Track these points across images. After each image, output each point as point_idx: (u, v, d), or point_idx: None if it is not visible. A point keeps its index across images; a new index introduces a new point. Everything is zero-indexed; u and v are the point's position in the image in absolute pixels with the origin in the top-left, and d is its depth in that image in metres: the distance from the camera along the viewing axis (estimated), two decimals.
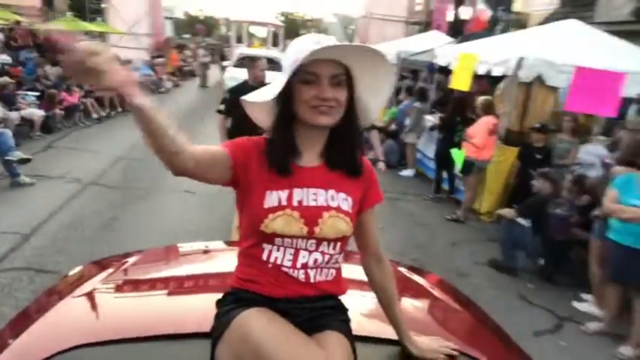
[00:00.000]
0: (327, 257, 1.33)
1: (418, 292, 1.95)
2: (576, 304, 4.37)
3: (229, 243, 2.49)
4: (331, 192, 1.33)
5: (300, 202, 1.29)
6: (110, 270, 1.91)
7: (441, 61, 8.57)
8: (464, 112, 6.73)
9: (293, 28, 40.68)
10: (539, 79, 6.27)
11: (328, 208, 1.31)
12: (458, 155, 6.50)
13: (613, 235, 3.80)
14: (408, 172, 8.59)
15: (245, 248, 1.35)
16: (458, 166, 6.53)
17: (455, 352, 1.40)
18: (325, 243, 1.31)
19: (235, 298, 1.30)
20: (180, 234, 4.98)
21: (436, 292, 1.95)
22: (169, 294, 1.76)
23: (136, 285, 1.88)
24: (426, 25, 21.10)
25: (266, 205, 1.27)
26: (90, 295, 1.66)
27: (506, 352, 1.64)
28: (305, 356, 1.17)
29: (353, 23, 38.57)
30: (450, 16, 17.95)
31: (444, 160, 6.97)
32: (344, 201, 1.33)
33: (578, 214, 4.64)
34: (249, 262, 1.34)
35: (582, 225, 4.57)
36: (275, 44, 21.57)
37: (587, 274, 4.29)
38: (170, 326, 1.41)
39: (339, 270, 1.39)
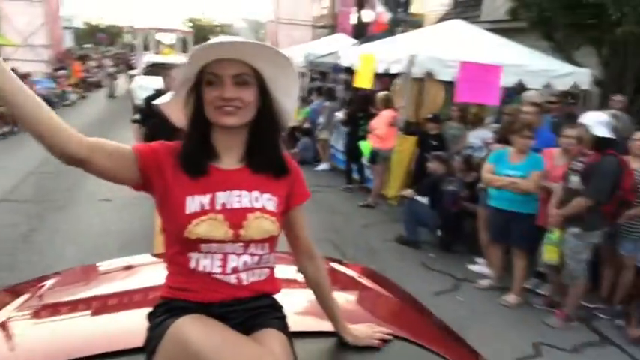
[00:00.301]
0: (256, 258, 1.32)
1: (350, 284, 1.99)
2: (471, 267, 5.04)
3: (154, 255, 2.39)
4: (255, 193, 1.32)
5: (223, 205, 1.28)
6: (26, 296, 1.79)
7: (344, 62, 9.16)
8: (367, 108, 7.33)
9: (202, 34, 40.24)
10: (429, 75, 6.99)
11: (252, 209, 1.30)
12: (365, 147, 7.08)
13: (492, 202, 4.48)
14: (323, 167, 9.10)
15: (172, 255, 1.33)
16: (365, 156, 7.11)
17: (389, 336, 1.46)
18: (253, 244, 1.31)
19: (167, 308, 1.27)
20: (99, 243, 5.06)
21: (367, 283, 2.01)
22: (94, 314, 1.66)
23: (55, 309, 1.73)
24: (332, 29, 21.92)
25: (188, 211, 1.25)
26: (4, 325, 1.54)
27: (437, 331, 1.73)
28: (246, 355, 1.16)
29: (263, 28, 38.90)
30: (353, 19, 18.87)
31: (352, 152, 7.54)
32: (268, 201, 1.33)
33: (467, 189, 5.33)
34: (178, 270, 1.31)
35: (471, 198, 5.26)
36: (184, 51, 21.35)
37: (478, 240, 4.97)
38: (98, 346, 1.33)
39: (271, 269, 1.39)
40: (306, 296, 1.53)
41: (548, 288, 4.39)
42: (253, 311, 1.32)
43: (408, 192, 5.62)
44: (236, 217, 1.27)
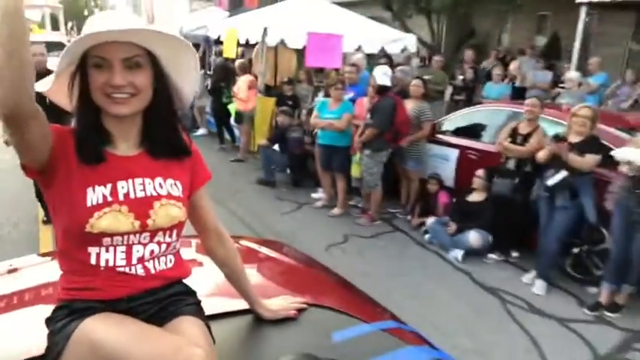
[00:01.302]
0: (164, 246, 1.26)
1: (258, 259, 1.98)
2: (312, 195, 6.42)
3: (43, 255, 2.22)
4: (159, 179, 1.25)
5: (126, 195, 1.20)
6: None
7: (213, 35, 10.08)
8: (227, 76, 8.39)
9: (74, 10, 37.99)
10: (282, 43, 8.20)
11: (158, 196, 1.23)
12: (231, 109, 8.18)
13: (319, 140, 5.84)
14: (201, 132, 10.05)
15: (66, 253, 1.22)
16: (232, 118, 8.23)
17: (304, 306, 1.48)
18: (161, 233, 1.24)
19: (69, 311, 1.18)
20: None
21: (275, 255, 2.02)
22: None
23: None
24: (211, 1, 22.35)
25: (89, 204, 1.15)
26: None
27: (348, 294, 1.79)
28: (163, 347, 1.09)
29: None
30: None
31: (219, 116, 8.61)
32: (173, 187, 1.27)
33: (309, 135, 6.67)
34: (75, 268, 1.21)
35: (312, 142, 6.61)
36: (55, 28, 20.59)
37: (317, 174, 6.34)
38: None
39: (177, 254, 1.33)
40: (214, 277, 1.51)
41: (361, 200, 5.90)
42: (165, 300, 1.26)
43: (263, 141, 6.85)
44: (141, 207, 1.20)
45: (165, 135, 1.27)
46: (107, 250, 1.19)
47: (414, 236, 5.33)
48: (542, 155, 4.20)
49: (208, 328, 1.26)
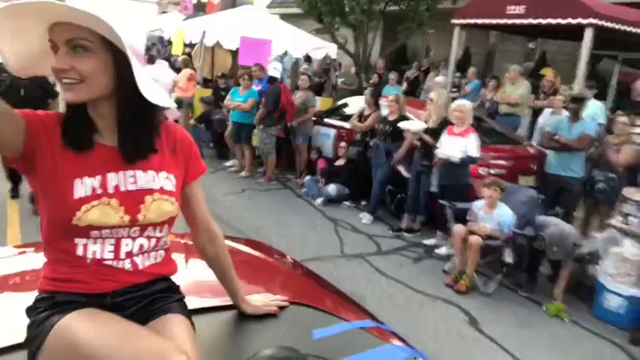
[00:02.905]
0: (153, 241, 1.23)
1: (242, 257, 1.97)
2: (225, 163, 8.08)
3: (17, 246, 2.21)
4: (151, 172, 1.19)
5: (116, 187, 1.14)
6: None
7: (167, 35, 11.72)
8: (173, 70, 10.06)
9: None
10: (218, 44, 9.90)
11: (151, 190, 1.18)
12: (174, 97, 9.81)
13: (231, 118, 7.55)
14: None
15: (51, 242, 1.17)
16: (174, 105, 9.85)
17: (285, 303, 1.51)
18: (151, 227, 1.20)
19: (52, 303, 1.14)
20: None
21: (257, 254, 2.08)
22: None
23: None
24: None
25: (77, 196, 1.10)
26: None
27: (327, 293, 1.84)
28: (146, 352, 1.04)
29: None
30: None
31: None
32: (166, 180, 1.21)
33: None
34: (60, 258, 1.16)
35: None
36: None
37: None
38: None
39: (167, 250, 1.30)
40: (197, 272, 1.55)
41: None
42: (150, 297, 1.23)
43: (192, 121, 8.53)
44: (132, 201, 1.15)
45: (135, 129, 1.16)
46: (95, 242, 1.15)
47: (297, 192, 7.07)
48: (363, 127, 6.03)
49: (192, 324, 1.24)
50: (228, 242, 1.70)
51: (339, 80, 11.04)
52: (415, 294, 4.29)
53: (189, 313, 1.29)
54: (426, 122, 5.52)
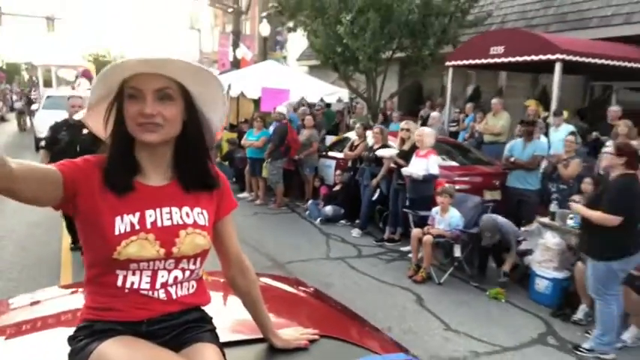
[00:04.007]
0: (187, 273, 1.32)
1: (272, 293, 2.00)
2: (239, 195, 9.29)
3: (63, 287, 2.36)
4: (186, 209, 1.30)
5: (153, 223, 1.25)
6: None
7: None
8: None
9: (104, 66, 42.31)
10: (242, 95, 11.39)
11: (185, 225, 1.28)
12: None
13: (248, 154, 8.80)
14: None
15: (94, 277, 1.27)
16: None
17: (315, 336, 1.53)
18: (185, 260, 1.29)
19: (91, 331, 1.23)
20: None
21: (290, 290, 2.15)
22: (7, 339, 1.58)
23: None
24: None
25: (117, 232, 1.21)
26: None
27: (360, 327, 1.84)
28: None
29: None
30: (231, 57, 23.33)
31: None
32: (199, 215, 1.31)
33: None
34: (100, 290, 1.26)
35: None
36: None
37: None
38: None
39: (200, 280, 1.38)
40: (230, 304, 1.59)
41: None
42: (183, 326, 1.31)
43: (217, 159, 9.88)
44: (168, 235, 1.26)
45: (194, 166, 1.31)
46: (133, 274, 1.25)
47: (302, 215, 8.15)
48: (352, 155, 7.11)
49: (223, 355, 1.30)
50: (261, 279, 1.86)
51: (352, 120, 12.24)
52: (378, 283, 5.22)
53: (221, 344, 1.33)
54: (399, 148, 6.55)
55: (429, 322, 4.39)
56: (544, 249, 4.82)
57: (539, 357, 3.90)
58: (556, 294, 4.69)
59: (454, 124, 11.07)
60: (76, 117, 4.67)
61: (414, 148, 6.28)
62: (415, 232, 5.43)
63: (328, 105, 12.57)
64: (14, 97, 23.88)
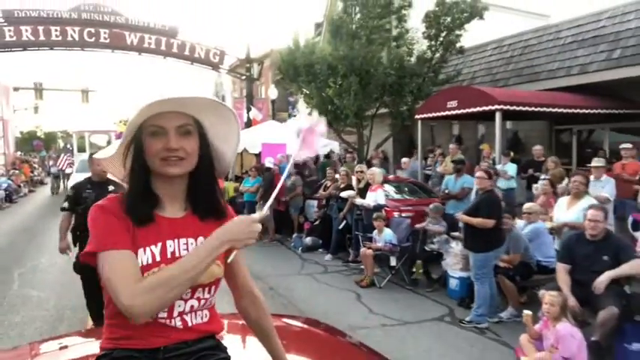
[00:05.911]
0: (202, 302, 1.38)
1: (296, 334, 2.08)
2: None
3: (87, 332, 2.58)
4: (201, 239, 1.36)
5: (173, 254, 1.33)
6: None
7: None
8: None
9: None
10: (245, 150, 13.29)
11: None
12: None
13: (244, 198, 10.52)
14: None
15: (116, 313, 1.29)
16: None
17: None
18: (200, 289, 1.36)
19: (110, 359, 1.30)
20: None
21: (310, 328, 2.22)
22: None
23: None
24: None
25: (140, 264, 1.28)
26: None
27: None
28: None
29: None
30: (245, 118, 25.75)
31: None
32: None
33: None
34: (119, 321, 1.31)
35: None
36: None
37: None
38: None
39: (212, 308, 1.44)
40: (244, 335, 1.65)
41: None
42: (198, 353, 1.36)
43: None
44: None
45: (207, 197, 1.41)
46: None
47: (288, 247, 9.71)
48: (324, 195, 8.75)
49: None
50: (285, 320, 2.01)
51: (341, 169, 13.95)
52: (331, 288, 6.73)
53: None
54: (357, 186, 8.19)
55: (359, 309, 5.85)
56: (452, 255, 6.29)
57: (432, 327, 5.31)
58: (463, 289, 6.10)
59: (429, 167, 12.67)
60: (95, 156, 5.70)
61: (367, 185, 7.91)
62: (362, 249, 6.97)
63: (328, 156, 14.31)
64: (50, 163, 26.15)
